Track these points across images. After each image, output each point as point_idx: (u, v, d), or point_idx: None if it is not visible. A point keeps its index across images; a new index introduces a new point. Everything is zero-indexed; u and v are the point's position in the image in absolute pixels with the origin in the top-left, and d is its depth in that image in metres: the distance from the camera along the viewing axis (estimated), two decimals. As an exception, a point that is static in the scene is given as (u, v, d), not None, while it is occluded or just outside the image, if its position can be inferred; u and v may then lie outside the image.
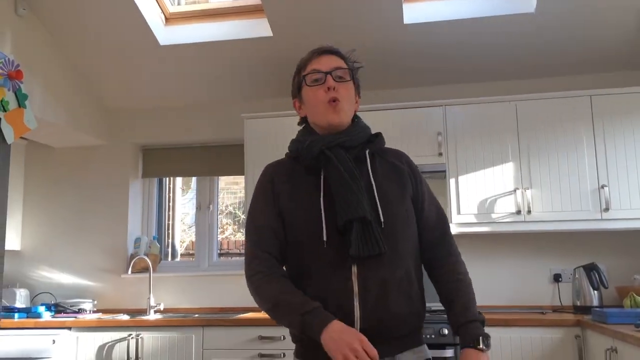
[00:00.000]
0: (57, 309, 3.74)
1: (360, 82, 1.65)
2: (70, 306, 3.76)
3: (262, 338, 3.18)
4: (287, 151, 1.63)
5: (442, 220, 1.62)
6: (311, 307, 1.39)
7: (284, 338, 3.14)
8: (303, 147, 1.54)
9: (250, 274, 1.50)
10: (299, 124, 1.66)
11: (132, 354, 3.30)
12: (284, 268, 1.55)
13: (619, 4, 3.19)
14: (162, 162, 4.31)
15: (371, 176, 1.52)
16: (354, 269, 1.43)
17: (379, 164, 1.57)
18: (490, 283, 3.63)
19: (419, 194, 1.59)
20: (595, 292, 3.27)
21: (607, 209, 3.20)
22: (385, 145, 1.64)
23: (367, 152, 1.56)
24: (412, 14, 3.41)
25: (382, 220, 1.46)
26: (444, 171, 3.39)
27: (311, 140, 1.54)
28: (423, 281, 1.54)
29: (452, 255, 1.60)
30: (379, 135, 1.62)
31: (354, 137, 1.55)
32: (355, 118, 1.62)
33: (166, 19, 3.74)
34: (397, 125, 3.46)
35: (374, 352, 1.31)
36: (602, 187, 3.22)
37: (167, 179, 4.57)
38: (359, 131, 1.57)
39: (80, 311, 3.74)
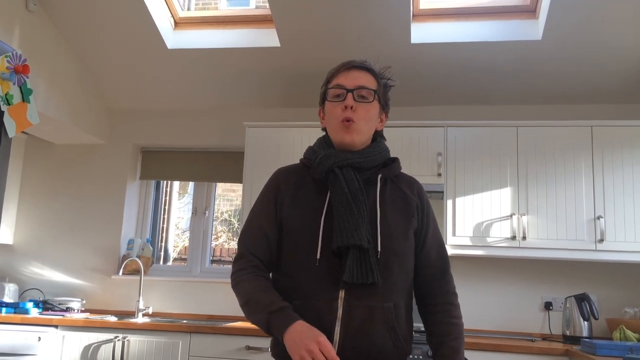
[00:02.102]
0: (45, 306, 3.72)
1: (390, 99, 1.63)
2: (59, 304, 3.74)
3: (249, 348, 3.15)
4: (302, 157, 1.62)
5: (443, 259, 1.58)
6: (278, 306, 1.39)
7: (272, 349, 3.12)
8: (316, 160, 1.52)
9: (235, 269, 1.53)
10: (322, 129, 1.64)
11: (118, 356, 3.27)
12: (272, 275, 1.55)
13: (626, 37, 3.22)
14: (161, 164, 4.30)
15: (378, 202, 1.49)
16: (342, 294, 1.42)
17: (389, 190, 1.54)
18: (480, 307, 3.62)
19: (422, 228, 1.56)
20: (586, 322, 3.27)
21: (601, 240, 3.20)
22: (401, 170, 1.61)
23: (379, 176, 1.54)
24: (419, 34, 3.44)
25: (379, 250, 1.44)
26: (442, 192, 3.39)
27: (324, 155, 1.52)
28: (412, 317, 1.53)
29: (449, 295, 1.56)
30: (395, 160, 1.60)
31: (368, 158, 1.52)
32: (378, 137, 1.60)
33: (175, 23, 3.76)
34: (398, 143, 3.46)
35: (331, 354, 1.30)
36: (598, 218, 3.23)
37: (164, 182, 4.56)
38: (376, 153, 1.54)
39: (68, 310, 3.72)
